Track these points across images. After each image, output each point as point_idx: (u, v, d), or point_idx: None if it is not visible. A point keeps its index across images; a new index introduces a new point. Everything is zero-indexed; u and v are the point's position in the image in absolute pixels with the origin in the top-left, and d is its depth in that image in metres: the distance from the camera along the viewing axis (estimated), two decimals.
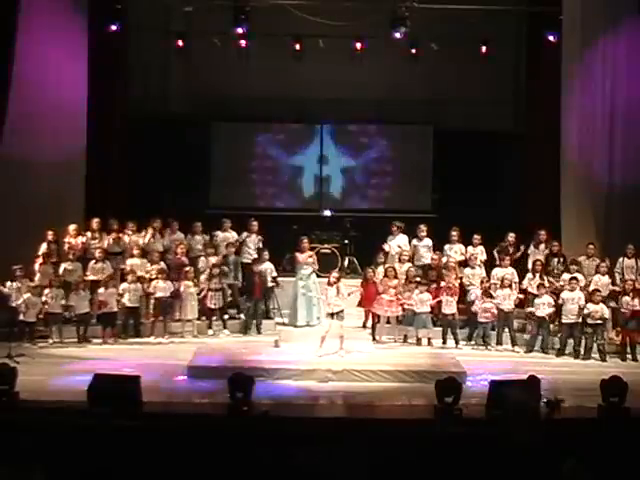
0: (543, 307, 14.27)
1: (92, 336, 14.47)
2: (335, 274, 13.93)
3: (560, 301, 14.23)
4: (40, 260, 14.69)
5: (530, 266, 15.24)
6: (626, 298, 14.15)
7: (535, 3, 18.07)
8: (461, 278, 15.05)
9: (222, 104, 18.88)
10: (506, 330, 14.62)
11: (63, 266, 14.77)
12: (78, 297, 14.39)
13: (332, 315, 13.41)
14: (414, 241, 15.81)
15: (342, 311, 13.47)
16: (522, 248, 15.61)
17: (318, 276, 15.77)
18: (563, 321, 14.19)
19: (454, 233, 15.68)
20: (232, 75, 18.70)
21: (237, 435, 8.95)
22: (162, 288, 14.79)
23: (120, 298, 14.52)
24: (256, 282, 15.24)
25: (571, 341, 14.20)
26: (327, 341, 13.36)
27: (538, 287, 14.48)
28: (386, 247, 15.74)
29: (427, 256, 15.64)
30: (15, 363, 11.83)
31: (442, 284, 14.71)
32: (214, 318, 15.22)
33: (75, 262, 14.89)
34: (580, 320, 14.07)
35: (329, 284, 13.60)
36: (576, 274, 14.58)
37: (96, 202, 16.60)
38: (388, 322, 14.85)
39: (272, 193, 19.32)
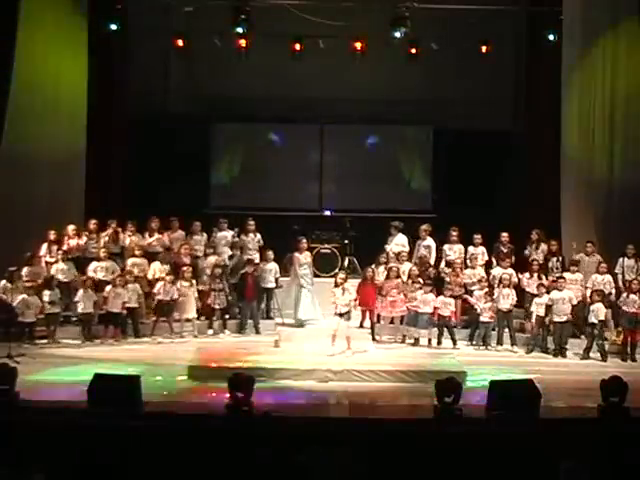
0: (543, 307, 14.27)
1: (94, 336, 14.49)
2: (342, 275, 13.95)
3: (549, 302, 14.23)
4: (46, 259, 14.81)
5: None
6: (632, 297, 14.13)
7: (535, 3, 18.10)
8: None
9: (222, 104, 18.90)
10: (506, 330, 14.63)
11: (55, 267, 14.76)
12: (85, 296, 14.40)
13: (341, 315, 13.44)
14: (417, 241, 15.82)
15: (349, 312, 13.50)
16: (514, 247, 15.60)
17: (317, 276, 15.83)
18: (555, 320, 14.19)
19: (454, 233, 15.69)
20: (232, 75, 18.73)
21: (237, 435, 8.95)
22: (166, 291, 14.80)
23: (127, 300, 14.53)
24: (249, 283, 15.23)
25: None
26: (337, 340, 13.40)
27: (538, 287, 14.49)
28: (387, 247, 15.76)
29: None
30: (15, 363, 11.80)
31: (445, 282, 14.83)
32: (214, 318, 15.23)
33: (69, 262, 14.88)
34: (571, 319, 14.13)
35: (336, 285, 13.62)
36: (576, 275, 14.60)
37: (96, 202, 16.61)
38: (391, 322, 14.84)
39: (272, 193, 19.32)
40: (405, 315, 14.64)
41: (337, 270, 15.99)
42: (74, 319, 14.81)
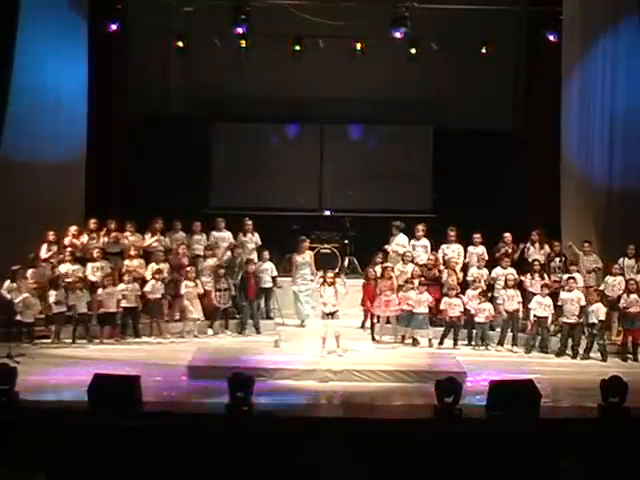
0: (543, 307, 14.26)
1: (92, 336, 14.48)
2: (331, 274, 13.93)
3: (560, 302, 14.22)
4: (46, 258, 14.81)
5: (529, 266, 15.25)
6: (632, 297, 14.11)
7: (535, 3, 18.09)
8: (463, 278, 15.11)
9: (222, 104, 18.89)
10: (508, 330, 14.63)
11: (64, 267, 14.76)
12: (76, 297, 14.40)
13: (329, 315, 13.44)
14: (412, 241, 15.82)
15: (337, 311, 13.51)
16: (518, 247, 15.58)
17: None
18: (564, 321, 14.15)
19: (451, 233, 15.68)
20: (232, 75, 18.73)
21: (237, 435, 8.96)
22: (156, 289, 14.79)
23: (121, 299, 14.53)
24: (251, 283, 15.23)
25: (570, 341, 14.20)
26: (327, 341, 13.40)
27: (542, 287, 14.45)
28: (387, 248, 15.76)
29: (424, 256, 15.61)
30: (15, 363, 11.82)
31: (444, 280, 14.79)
32: (217, 317, 15.20)
33: (76, 263, 14.89)
34: (581, 320, 14.09)
35: (326, 284, 13.61)
36: (575, 274, 14.59)
37: (96, 202, 16.61)
38: (388, 322, 14.83)
39: (272, 193, 19.30)
40: (399, 315, 14.63)
41: (337, 270, 15.99)
42: (73, 320, 14.80)
